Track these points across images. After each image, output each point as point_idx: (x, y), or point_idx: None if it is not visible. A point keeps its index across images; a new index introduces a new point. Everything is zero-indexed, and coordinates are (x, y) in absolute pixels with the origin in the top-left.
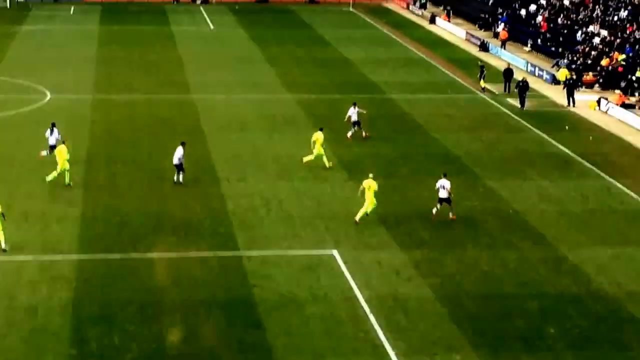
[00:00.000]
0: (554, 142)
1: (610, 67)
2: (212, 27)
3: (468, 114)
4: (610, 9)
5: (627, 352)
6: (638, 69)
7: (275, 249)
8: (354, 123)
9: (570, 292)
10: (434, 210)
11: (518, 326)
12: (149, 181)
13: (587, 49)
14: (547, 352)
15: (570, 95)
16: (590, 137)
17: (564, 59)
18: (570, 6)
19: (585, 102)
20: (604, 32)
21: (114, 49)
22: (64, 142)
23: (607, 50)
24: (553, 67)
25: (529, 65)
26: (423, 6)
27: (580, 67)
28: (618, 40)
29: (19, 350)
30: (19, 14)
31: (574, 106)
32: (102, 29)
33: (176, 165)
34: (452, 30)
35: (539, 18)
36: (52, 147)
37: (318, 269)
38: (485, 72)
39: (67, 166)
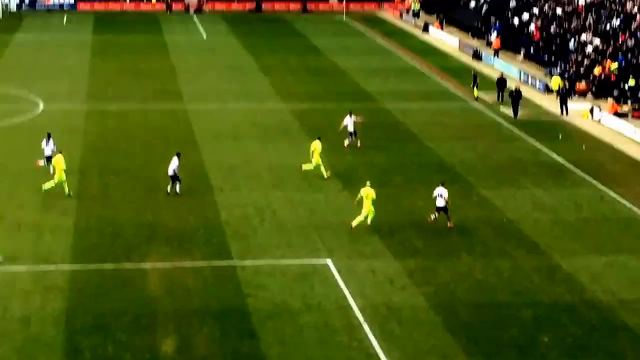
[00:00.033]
0: (547, 150)
1: (602, 76)
2: (205, 36)
3: (462, 123)
4: (603, 18)
5: None
6: (630, 77)
7: (269, 259)
8: (350, 132)
9: (564, 301)
10: (432, 217)
11: (512, 335)
12: (142, 191)
13: (579, 57)
14: None
15: (563, 103)
16: (584, 146)
17: (556, 67)
18: (562, 15)
19: (578, 111)
20: (597, 41)
21: (107, 59)
22: (60, 152)
23: (599, 58)
24: (546, 75)
25: (522, 74)
26: (416, 15)
27: (573, 76)
28: (610, 49)
29: None
30: (11, 24)
31: (567, 115)
32: (96, 39)
33: (171, 176)
34: (445, 39)
35: (532, 27)
36: (48, 158)
37: (312, 278)
38: (478, 81)
39: (64, 177)
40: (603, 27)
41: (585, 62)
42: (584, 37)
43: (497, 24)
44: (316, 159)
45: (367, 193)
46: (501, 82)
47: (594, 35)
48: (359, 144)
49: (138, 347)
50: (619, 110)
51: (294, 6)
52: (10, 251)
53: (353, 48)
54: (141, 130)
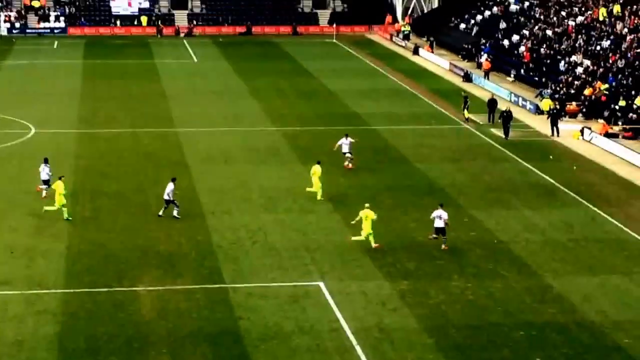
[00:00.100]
0: (538, 171)
1: (593, 97)
2: (195, 59)
3: (452, 145)
4: (593, 39)
5: None
6: (621, 98)
7: (261, 281)
8: (344, 153)
9: (556, 321)
10: (432, 237)
11: (504, 355)
12: (134, 214)
13: (570, 78)
14: None
15: (554, 124)
16: (574, 167)
17: (547, 88)
18: (553, 36)
19: (569, 132)
20: (587, 62)
21: (98, 83)
22: (60, 178)
23: (590, 79)
24: (536, 97)
25: (513, 95)
26: (406, 37)
27: (564, 97)
28: (601, 70)
29: None
30: (2, 48)
31: (557, 136)
32: (86, 63)
33: (165, 200)
34: (436, 61)
35: (522, 48)
36: (45, 182)
37: (304, 300)
38: (468, 102)
39: (64, 201)
40: (593, 48)
41: (576, 83)
42: (574, 58)
43: (487, 45)
44: (316, 182)
45: (367, 214)
46: (492, 103)
47: (584, 56)
48: (350, 166)
49: None
50: (610, 131)
51: (284, 29)
52: (2, 275)
53: (343, 70)
54: (132, 153)
